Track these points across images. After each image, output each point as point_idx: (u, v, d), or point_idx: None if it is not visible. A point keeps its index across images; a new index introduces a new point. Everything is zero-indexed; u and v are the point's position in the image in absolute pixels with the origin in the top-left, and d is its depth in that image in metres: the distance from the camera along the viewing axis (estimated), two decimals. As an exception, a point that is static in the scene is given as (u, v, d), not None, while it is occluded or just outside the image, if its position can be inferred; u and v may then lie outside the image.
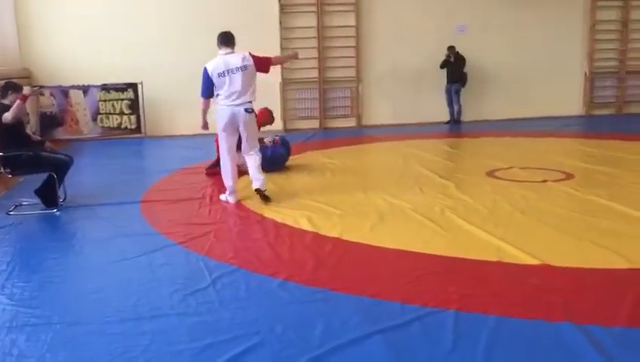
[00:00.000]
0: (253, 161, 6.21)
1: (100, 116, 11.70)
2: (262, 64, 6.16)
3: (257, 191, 6.18)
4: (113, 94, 11.66)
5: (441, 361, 2.93)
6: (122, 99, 11.70)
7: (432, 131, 11.78)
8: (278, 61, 6.76)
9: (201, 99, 6.11)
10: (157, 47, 11.78)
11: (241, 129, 6.09)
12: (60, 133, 11.45)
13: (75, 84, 11.52)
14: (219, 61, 6.01)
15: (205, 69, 6.00)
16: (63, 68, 11.47)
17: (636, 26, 13.24)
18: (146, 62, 11.71)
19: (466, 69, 12.30)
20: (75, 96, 11.58)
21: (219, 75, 5.94)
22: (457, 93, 12.37)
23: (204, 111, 6.15)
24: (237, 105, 5.97)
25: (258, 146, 6.31)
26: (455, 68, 12.21)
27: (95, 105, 11.65)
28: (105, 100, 11.66)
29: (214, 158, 7.92)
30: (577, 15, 13.12)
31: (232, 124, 6.05)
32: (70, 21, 11.53)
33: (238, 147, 6.27)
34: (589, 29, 13.14)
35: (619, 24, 13.26)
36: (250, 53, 6.11)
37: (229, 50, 6.07)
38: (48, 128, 11.34)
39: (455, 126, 12.27)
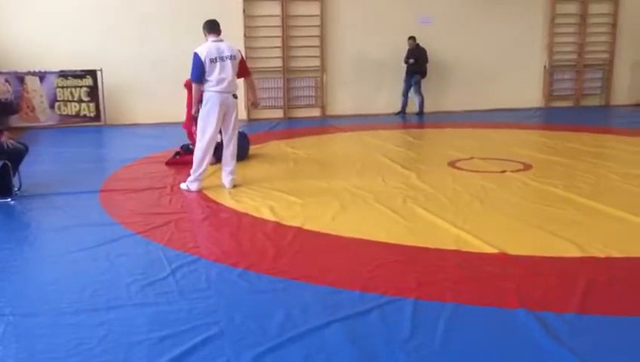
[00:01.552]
0: (231, 150, 6.27)
1: (57, 103, 11.41)
2: (244, 68, 6.35)
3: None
4: (71, 81, 11.37)
5: (399, 348, 2.96)
6: (81, 87, 11.42)
7: (396, 122, 11.87)
8: (251, 84, 6.81)
9: (193, 85, 6.13)
10: (117, 33, 11.52)
11: (228, 115, 6.13)
12: (16, 121, 11.13)
13: (32, 70, 11.20)
14: (211, 47, 6.01)
15: (197, 54, 5.98)
16: (18, 53, 11.11)
17: (594, 20, 13.53)
18: (105, 48, 11.45)
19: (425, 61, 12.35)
20: (32, 82, 11.26)
21: (211, 61, 5.95)
22: (417, 84, 12.40)
23: (197, 97, 6.14)
24: (227, 91, 6.04)
25: (237, 135, 6.35)
26: (416, 59, 12.25)
27: (52, 92, 11.35)
28: (63, 87, 11.36)
29: (179, 147, 7.80)
30: (538, 8, 13.33)
31: (221, 110, 6.05)
32: (27, 5, 11.18)
33: None
34: (549, 23, 13.38)
35: (578, 17, 13.54)
36: (239, 51, 6.29)
37: (217, 37, 6.11)
38: (3, 115, 10.99)
39: (418, 117, 12.33)
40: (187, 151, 7.51)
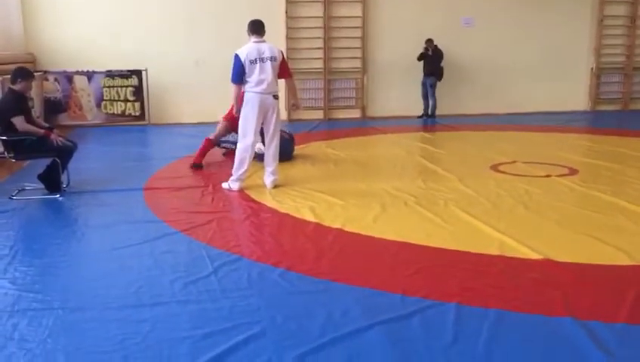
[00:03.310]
0: (273, 150, 6.29)
1: (103, 102, 11.69)
2: (285, 69, 6.35)
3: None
4: (118, 81, 11.64)
5: (441, 354, 2.92)
6: (126, 86, 11.68)
7: (438, 124, 11.75)
8: (292, 86, 6.81)
9: (233, 86, 6.17)
10: (162, 34, 11.74)
11: (269, 115, 6.17)
12: (64, 119, 11.46)
13: (80, 69, 11.50)
14: (251, 48, 6.07)
15: (237, 55, 6.05)
16: (67, 53, 11.43)
17: (644, 21, 13.15)
18: (151, 49, 11.68)
19: (442, 63, 12.14)
20: (80, 82, 11.57)
21: (251, 62, 6.01)
22: (432, 86, 12.19)
23: (237, 98, 6.21)
24: (266, 92, 6.07)
25: (278, 135, 6.36)
26: (432, 61, 12.06)
27: (99, 92, 11.63)
28: (109, 87, 11.64)
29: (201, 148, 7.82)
30: (585, 10, 13.03)
31: (261, 111, 6.10)
32: (76, 6, 11.49)
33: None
34: (596, 24, 13.05)
35: (627, 19, 13.17)
36: (281, 52, 6.29)
37: (260, 38, 6.14)
38: (52, 114, 11.34)
39: (430, 120, 12.14)
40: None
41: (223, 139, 7.92)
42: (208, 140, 7.70)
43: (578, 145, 9.25)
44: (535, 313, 3.33)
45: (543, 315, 3.30)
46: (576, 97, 13.34)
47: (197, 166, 7.45)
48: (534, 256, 4.17)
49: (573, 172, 6.92)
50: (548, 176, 6.72)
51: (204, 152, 7.59)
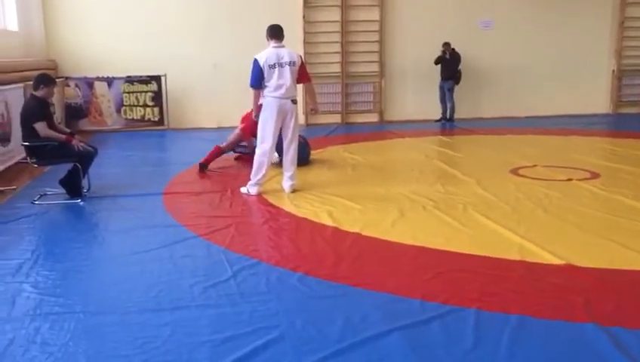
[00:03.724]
0: (291, 154, 6.31)
1: (123, 108, 11.81)
2: (304, 73, 6.36)
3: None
4: (137, 86, 11.76)
5: (462, 360, 2.90)
6: (146, 92, 11.79)
7: (456, 127, 11.68)
8: (311, 90, 6.81)
9: (252, 90, 6.20)
10: (180, 39, 11.83)
11: (287, 120, 6.19)
12: (85, 124, 11.60)
13: (100, 75, 11.64)
14: (271, 52, 6.11)
15: (256, 60, 6.08)
16: (88, 59, 11.58)
17: (666, 23, 12.97)
18: (169, 54, 11.77)
19: (460, 67, 12.08)
20: (100, 87, 11.71)
21: (270, 67, 6.03)
22: (450, 90, 12.13)
23: (257, 102, 6.23)
24: (285, 97, 6.10)
25: (297, 140, 6.38)
26: (450, 65, 12.01)
27: (119, 97, 11.76)
28: (129, 92, 11.76)
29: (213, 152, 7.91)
30: (606, 12, 12.88)
31: (280, 116, 6.12)
32: (96, 13, 11.63)
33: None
34: (617, 26, 12.90)
35: (648, 21, 13.01)
36: (300, 56, 6.32)
37: (279, 43, 6.17)
38: (73, 119, 11.49)
39: (448, 124, 12.08)
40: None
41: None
42: (218, 148, 7.77)
43: (599, 149, 9.14)
44: (557, 319, 3.29)
45: (564, 321, 3.26)
46: (597, 100, 13.19)
47: (203, 166, 7.57)
48: (556, 260, 4.13)
49: (594, 176, 6.84)
50: (569, 179, 6.65)
51: (212, 157, 7.73)
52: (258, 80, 6.08)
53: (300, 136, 7.41)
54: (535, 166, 7.46)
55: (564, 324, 3.23)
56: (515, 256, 4.27)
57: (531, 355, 2.94)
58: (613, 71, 13.10)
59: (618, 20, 12.87)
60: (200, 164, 7.61)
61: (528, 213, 5.38)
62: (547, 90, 12.87)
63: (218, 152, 7.81)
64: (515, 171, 7.16)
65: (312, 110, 7.48)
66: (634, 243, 4.46)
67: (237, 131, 7.97)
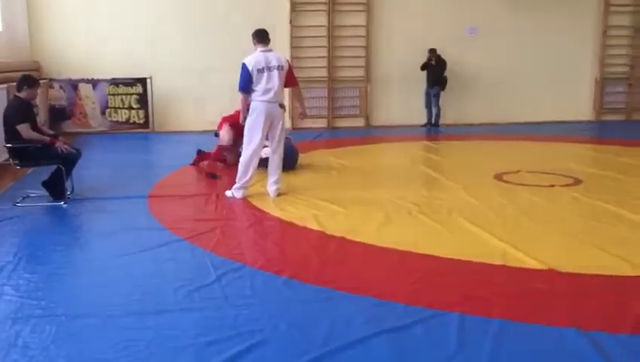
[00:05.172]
0: (276, 159, 6.32)
1: (108, 110, 11.73)
2: (291, 78, 6.36)
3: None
4: (122, 88, 11.69)
5: (445, 364, 2.92)
6: (131, 94, 11.73)
7: (441, 133, 11.75)
8: (299, 95, 6.95)
9: (241, 95, 6.18)
10: (166, 42, 11.79)
11: (274, 124, 6.19)
12: (69, 126, 11.50)
13: (85, 77, 11.56)
14: (259, 57, 6.10)
15: (244, 65, 6.07)
16: (72, 61, 11.49)
17: (648, 31, 13.16)
18: (155, 57, 11.73)
19: (446, 73, 12.15)
20: (85, 89, 11.62)
21: (258, 71, 6.03)
22: (436, 96, 12.22)
23: (245, 107, 6.21)
24: (273, 101, 6.09)
25: (282, 145, 6.38)
26: (436, 71, 12.09)
27: (104, 99, 11.69)
28: (114, 94, 11.69)
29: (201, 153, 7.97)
30: (589, 20, 13.05)
31: (267, 120, 6.12)
32: (80, 14, 11.55)
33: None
34: (600, 34, 13.07)
35: (631, 30, 13.18)
36: (287, 60, 6.32)
37: (266, 47, 6.17)
38: (57, 121, 11.39)
39: (433, 129, 12.16)
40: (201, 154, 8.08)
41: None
42: (219, 146, 7.76)
43: (582, 155, 9.24)
44: (539, 323, 3.32)
45: (547, 325, 3.29)
46: (580, 107, 13.33)
47: (213, 176, 7.43)
48: (538, 265, 4.16)
49: (577, 182, 6.91)
50: (552, 185, 6.72)
51: (216, 157, 7.65)
52: (247, 84, 6.07)
53: (288, 139, 7.43)
54: (519, 171, 7.52)
55: (546, 329, 3.26)
56: (498, 260, 4.30)
57: (514, 359, 2.97)
58: (596, 79, 13.27)
59: (601, 28, 13.04)
60: (208, 173, 7.51)
61: (512, 219, 5.43)
62: (531, 97, 12.99)
63: (221, 150, 7.75)
64: (499, 177, 7.22)
65: (300, 115, 7.49)
66: (616, 248, 4.51)
67: (225, 128, 7.85)
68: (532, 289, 3.80)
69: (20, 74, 6.69)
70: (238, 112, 7.26)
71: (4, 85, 8.24)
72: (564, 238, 4.88)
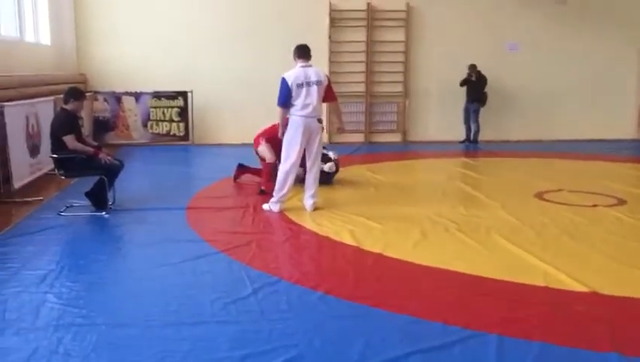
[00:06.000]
0: (313, 174, 6.35)
1: (150, 122, 11.98)
2: (330, 93, 6.40)
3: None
4: (164, 102, 11.93)
5: (482, 386, 2.87)
6: (172, 107, 11.96)
7: (480, 149, 11.61)
8: (337, 110, 7.01)
9: (279, 109, 6.23)
10: (207, 57, 12.00)
11: (312, 139, 6.23)
12: (112, 138, 11.78)
13: (128, 90, 11.85)
14: (299, 72, 6.16)
15: (284, 79, 6.13)
16: (116, 74, 11.80)
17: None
18: (196, 71, 11.95)
19: (486, 89, 12.01)
20: (128, 102, 11.90)
21: (297, 86, 6.09)
22: (476, 112, 12.06)
23: (283, 121, 6.26)
24: (311, 116, 6.14)
25: (320, 159, 6.41)
26: (476, 87, 11.95)
27: (146, 112, 11.94)
28: (155, 107, 11.94)
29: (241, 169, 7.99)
30: (634, 36, 12.76)
31: (305, 135, 6.17)
32: (126, 29, 11.85)
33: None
34: (646, 51, 12.78)
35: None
36: (327, 76, 6.39)
37: (307, 62, 6.24)
38: (100, 132, 11.69)
39: (472, 146, 12.00)
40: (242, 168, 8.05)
41: None
42: (267, 164, 7.43)
43: (626, 175, 9.00)
44: (580, 347, 3.24)
45: (588, 349, 3.21)
46: (624, 125, 13.01)
47: (263, 192, 7.14)
48: (580, 288, 4.06)
49: (621, 202, 6.73)
50: (595, 205, 6.56)
51: (269, 176, 7.24)
52: (286, 99, 6.13)
53: (328, 155, 7.42)
54: (560, 190, 7.37)
55: (587, 353, 3.18)
56: (539, 281, 4.21)
57: (554, 384, 2.90)
58: (642, 96, 12.95)
59: (647, 45, 12.74)
60: (261, 190, 7.24)
61: (553, 239, 5.31)
62: (573, 114, 12.76)
63: (270, 168, 7.37)
64: (539, 195, 7.08)
65: (338, 129, 7.52)
66: (661, 272, 4.37)
67: (263, 144, 7.73)
68: (573, 312, 3.71)
69: (66, 86, 6.89)
70: (271, 127, 7.31)
71: (52, 97, 8.51)
72: (606, 260, 4.75)
